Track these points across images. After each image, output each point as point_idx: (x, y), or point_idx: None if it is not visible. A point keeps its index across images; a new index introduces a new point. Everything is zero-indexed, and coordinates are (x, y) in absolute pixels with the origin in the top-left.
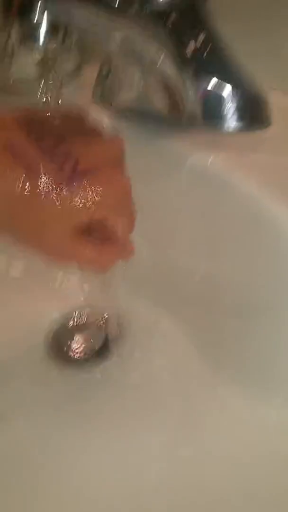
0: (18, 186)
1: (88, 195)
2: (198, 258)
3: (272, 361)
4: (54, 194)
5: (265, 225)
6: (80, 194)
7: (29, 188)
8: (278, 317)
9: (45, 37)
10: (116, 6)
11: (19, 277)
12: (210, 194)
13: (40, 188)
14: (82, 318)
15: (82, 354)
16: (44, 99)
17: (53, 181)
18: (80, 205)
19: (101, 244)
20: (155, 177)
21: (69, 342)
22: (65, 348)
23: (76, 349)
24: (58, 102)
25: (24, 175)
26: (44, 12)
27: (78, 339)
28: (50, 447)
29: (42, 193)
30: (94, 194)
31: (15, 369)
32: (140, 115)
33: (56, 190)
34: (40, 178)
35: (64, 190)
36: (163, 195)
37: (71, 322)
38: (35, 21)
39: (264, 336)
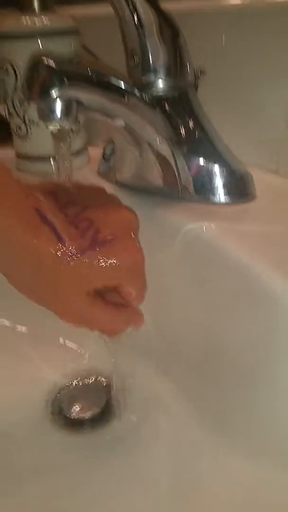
0: (42, 247)
1: (105, 262)
2: (197, 325)
3: (274, 429)
4: (74, 258)
5: (257, 290)
6: (98, 261)
7: (52, 250)
8: (279, 385)
9: (60, 117)
10: (120, 93)
11: (24, 335)
12: (204, 260)
13: (62, 251)
14: (84, 381)
15: (83, 417)
16: (57, 172)
17: (74, 247)
18: (97, 271)
19: (113, 309)
20: (153, 245)
21: (70, 405)
22: (66, 411)
23: (77, 412)
24: (69, 175)
25: (49, 237)
26: (59, 95)
27: (79, 402)
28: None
29: (63, 257)
30: (111, 262)
31: (16, 431)
32: (140, 189)
33: (77, 255)
34: (63, 242)
35: (83, 255)
36: (160, 262)
37: (73, 385)
38: (51, 103)
39: (265, 404)
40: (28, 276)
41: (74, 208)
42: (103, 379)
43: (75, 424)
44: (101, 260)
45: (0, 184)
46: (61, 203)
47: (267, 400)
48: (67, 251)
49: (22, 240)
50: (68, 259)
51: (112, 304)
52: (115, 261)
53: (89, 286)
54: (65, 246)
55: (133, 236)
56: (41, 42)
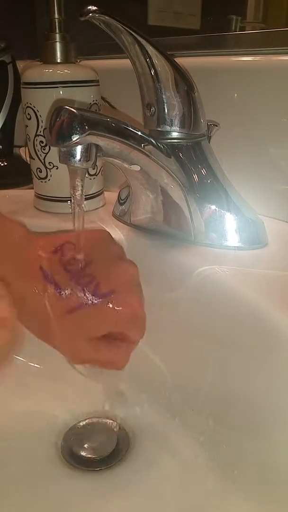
0: (47, 302)
1: (107, 313)
2: (209, 367)
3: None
4: (77, 310)
5: (269, 333)
6: (99, 313)
7: (56, 305)
8: None
9: (80, 161)
10: (137, 140)
11: (38, 373)
12: (216, 302)
13: (65, 305)
14: (94, 421)
15: (92, 457)
16: (72, 214)
17: (75, 301)
18: (99, 322)
19: (115, 347)
20: (166, 285)
21: (80, 444)
22: (76, 450)
23: (86, 451)
24: (83, 217)
25: (52, 293)
26: (80, 140)
27: (89, 441)
28: None
29: (65, 310)
30: (112, 313)
31: (26, 469)
32: (153, 231)
33: (77, 309)
34: (66, 297)
35: (84, 309)
36: (172, 302)
37: (83, 424)
38: (72, 148)
39: (280, 452)
40: (41, 327)
41: (78, 264)
42: (114, 419)
43: (84, 464)
44: (100, 312)
45: (11, 243)
46: (65, 260)
47: (282, 448)
48: (68, 305)
49: (30, 297)
50: (70, 311)
51: (113, 342)
52: (115, 313)
53: (93, 334)
54: (66, 301)
55: (133, 289)
56: (62, 91)
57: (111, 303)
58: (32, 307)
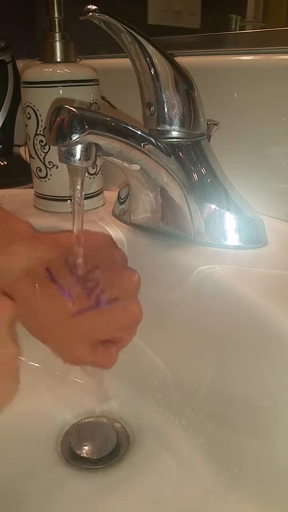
0: (50, 305)
1: (110, 320)
2: (208, 366)
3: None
4: (80, 314)
5: (269, 332)
6: (101, 318)
7: (60, 305)
8: None
9: (80, 161)
10: (137, 139)
11: (37, 371)
12: (216, 302)
13: (70, 308)
14: (94, 420)
15: (92, 456)
16: (71, 213)
17: (81, 304)
18: (99, 327)
19: (108, 348)
20: (165, 285)
21: (80, 443)
22: (75, 450)
23: (86, 451)
24: (82, 216)
25: (57, 296)
26: (80, 139)
27: (89, 440)
28: None
29: (71, 313)
30: (115, 320)
31: (25, 467)
32: (153, 230)
33: (81, 313)
34: (70, 300)
35: (88, 313)
36: (172, 302)
37: (83, 423)
38: (72, 147)
39: (280, 450)
40: (40, 326)
41: (84, 268)
42: (114, 418)
43: (83, 462)
44: (104, 318)
45: (16, 241)
46: (71, 264)
47: (282, 447)
48: (73, 309)
49: (32, 296)
50: (73, 314)
51: (107, 344)
52: (116, 320)
53: (92, 338)
54: (71, 305)
55: (135, 297)
56: (62, 90)
57: (115, 310)
58: (33, 306)
